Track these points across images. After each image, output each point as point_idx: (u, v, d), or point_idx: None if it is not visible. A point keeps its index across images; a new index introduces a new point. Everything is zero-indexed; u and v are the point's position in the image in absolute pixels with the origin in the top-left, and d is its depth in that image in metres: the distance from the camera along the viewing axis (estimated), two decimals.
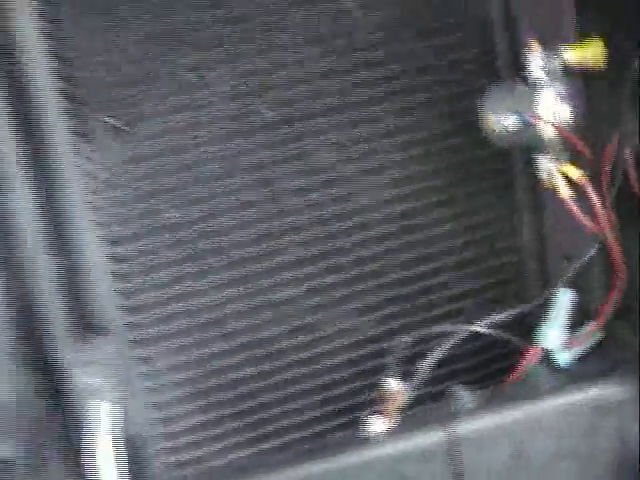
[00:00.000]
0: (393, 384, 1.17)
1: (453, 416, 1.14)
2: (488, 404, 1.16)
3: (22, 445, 1.12)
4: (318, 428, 1.25)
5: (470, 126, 1.17)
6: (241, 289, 1.21)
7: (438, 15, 1.19)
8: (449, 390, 1.18)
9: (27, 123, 1.12)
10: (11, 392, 1.13)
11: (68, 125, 1.13)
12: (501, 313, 1.21)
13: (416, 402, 1.18)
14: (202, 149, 1.16)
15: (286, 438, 1.25)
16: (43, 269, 1.14)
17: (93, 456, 1.10)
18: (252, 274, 1.20)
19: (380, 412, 1.17)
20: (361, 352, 1.25)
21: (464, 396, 1.17)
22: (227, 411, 1.24)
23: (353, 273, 1.24)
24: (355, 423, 1.18)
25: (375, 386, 1.19)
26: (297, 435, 1.25)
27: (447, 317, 1.25)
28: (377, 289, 1.25)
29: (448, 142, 1.22)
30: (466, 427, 1.14)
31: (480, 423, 1.15)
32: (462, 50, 1.20)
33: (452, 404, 1.17)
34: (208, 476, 1.21)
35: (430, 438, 1.14)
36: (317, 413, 1.25)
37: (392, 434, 1.16)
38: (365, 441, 1.16)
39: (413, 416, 1.17)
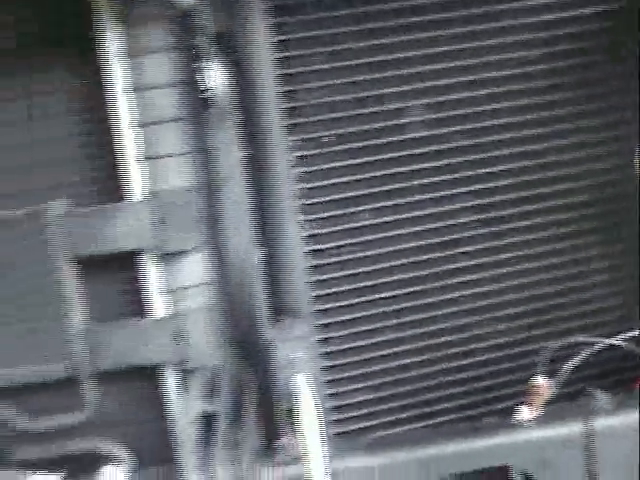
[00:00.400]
0: (541, 381, 1.37)
1: (591, 413, 1.34)
2: (620, 406, 1.36)
3: (226, 403, 1.33)
4: (471, 412, 1.46)
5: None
6: (416, 288, 1.41)
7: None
8: (588, 391, 1.38)
9: (252, 133, 1.33)
10: (219, 361, 1.36)
11: (286, 138, 1.33)
12: (633, 330, 1.41)
13: (558, 398, 1.38)
14: (394, 166, 1.37)
15: (443, 418, 1.45)
16: (252, 260, 1.35)
17: (293, 420, 1.31)
18: (426, 276, 1.41)
19: (528, 403, 1.37)
20: (513, 351, 1.45)
21: (600, 397, 1.37)
22: (391, 392, 1.44)
23: (509, 284, 1.44)
24: (505, 411, 1.38)
25: (525, 381, 1.40)
26: (452, 416, 1.45)
27: (587, 329, 1.45)
28: (527, 301, 1.46)
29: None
30: (602, 423, 1.34)
31: (614, 421, 1.34)
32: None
33: (590, 403, 1.37)
34: (372, 445, 1.41)
35: (570, 429, 1.34)
36: (472, 399, 1.45)
37: (537, 423, 1.35)
38: (513, 426, 1.36)
39: (556, 410, 1.37)
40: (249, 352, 1.36)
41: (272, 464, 1.32)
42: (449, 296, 1.43)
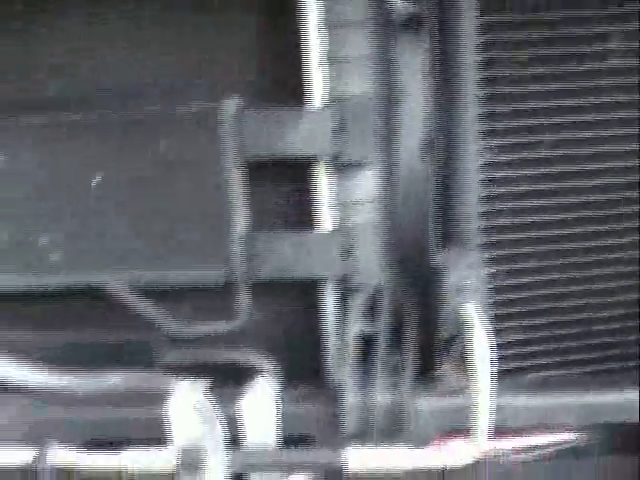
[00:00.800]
0: None
1: None
2: None
3: (385, 326, 1.27)
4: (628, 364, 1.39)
5: None
6: (582, 230, 1.34)
7: None
8: None
9: (441, 48, 1.26)
10: (381, 282, 1.30)
11: (475, 56, 1.26)
12: None
13: None
14: (583, 97, 1.29)
15: (597, 367, 1.39)
16: (424, 181, 1.29)
17: (458, 349, 1.25)
18: (593, 219, 1.34)
19: None
20: None
21: None
22: (548, 333, 1.37)
23: None
24: None
25: None
26: (608, 366, 1.39)
27: None
28: None
29: None
30: None
31: None
32: None
33: None
34: (533, 385, 1.35)
35: None
36: (630, 350, 1.39)
37: None
38: None
39: None
40: (413, 275, 1.30)
41: (432, 393, 1.25)
42: (609, 242, 1.34)
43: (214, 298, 1.33)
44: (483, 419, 1.19)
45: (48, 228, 1.32)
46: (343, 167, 1.25)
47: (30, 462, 1.25)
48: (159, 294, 1.32)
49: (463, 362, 1.26)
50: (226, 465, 1.20)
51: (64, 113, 1.30)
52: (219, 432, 1.20)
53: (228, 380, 1.29)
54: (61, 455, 1.25)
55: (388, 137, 1.28)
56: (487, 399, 1.18)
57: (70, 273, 1.32)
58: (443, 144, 1.30)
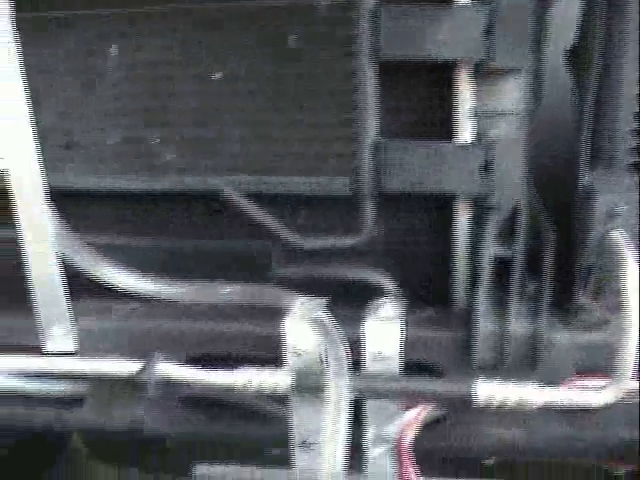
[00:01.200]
0: None
1: None
2: None
3: (522, 249, 1.16)
4: None
5: None
6: None
7: None
8: None
9: None
10: (520, 202, 1.17)
11: None
12: None
13: None
14: None
15: None
16: (575, 96, 1.16)
17: (601, 280, 1.13)
18: None
19: None
20: None
21: None
22: None
23: None
24: None
25: None
26: None
27: None
28: None
29: None
30: None
31: None
32: None
33: None
34: None
35: None
36: None
37: None
38: None
39: None
40: (556, 196, 1.17)
41: (570, 326, 1.13)
42: None
43: (337, 210, 1.22)
44: (629, 357, 1.07)
45: (163, 126, 1.22)
46: (488, 73, 1.12)
47: (136, 373, 1.16)
48: (279, 204, 1.21)
49: (605, 294, 1.14)
50: (347, 389, 1.10)
51: (184, 2, 1.18)
52: (340, 353, 1.10)
53: (350, 300, 1.19)
54: (168, 368, 1.17)
55: (538, 43, 1.14)
56: (635, 335, 1.06)
57: (185, 176, 1.21)
58: (597, 53, 1.14)
